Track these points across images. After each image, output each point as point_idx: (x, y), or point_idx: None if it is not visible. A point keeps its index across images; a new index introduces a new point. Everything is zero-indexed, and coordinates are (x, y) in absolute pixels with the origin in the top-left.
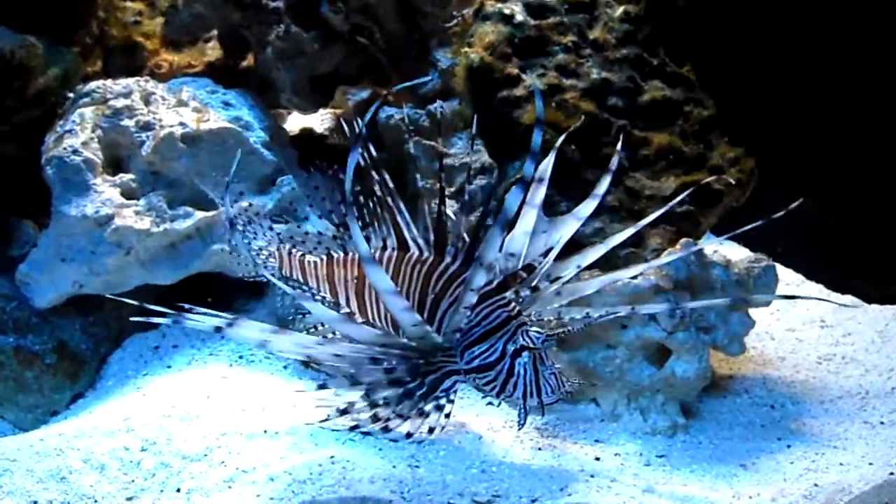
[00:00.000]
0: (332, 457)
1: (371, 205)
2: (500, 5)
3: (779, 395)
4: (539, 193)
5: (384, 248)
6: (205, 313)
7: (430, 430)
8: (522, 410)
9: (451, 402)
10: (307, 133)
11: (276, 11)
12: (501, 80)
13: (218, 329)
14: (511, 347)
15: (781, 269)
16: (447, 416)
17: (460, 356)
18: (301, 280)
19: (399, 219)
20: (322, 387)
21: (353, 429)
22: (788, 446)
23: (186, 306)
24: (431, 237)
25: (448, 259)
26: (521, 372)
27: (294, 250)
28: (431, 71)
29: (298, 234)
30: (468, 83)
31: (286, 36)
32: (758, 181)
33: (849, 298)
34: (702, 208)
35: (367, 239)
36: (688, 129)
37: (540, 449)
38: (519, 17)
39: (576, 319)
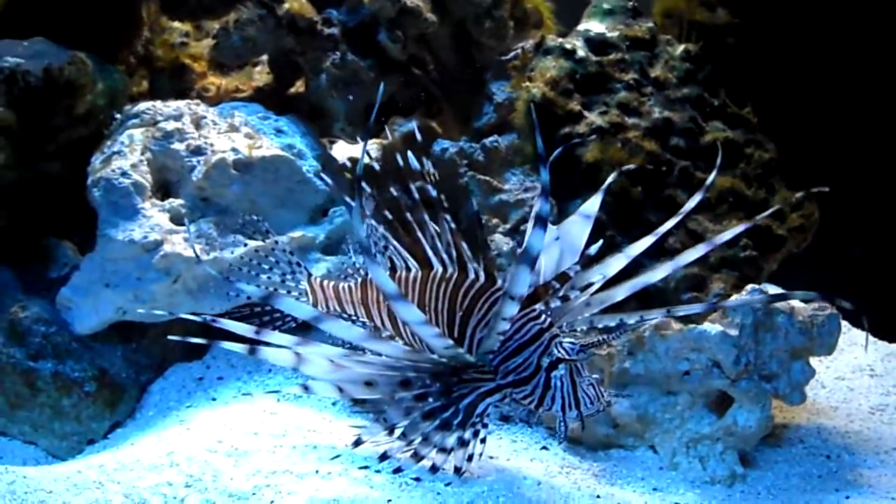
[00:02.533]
0: (388, 501)
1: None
2: (560, 40)
3: (834, 445)
4: (544, 207)
5: (407, 268)
6: (233, 324)
7: (469, 458)
8: (563, 424)
9: (486, 426)
10: (354, 162)
11: (331, 38)
12: (563, 117)
13: (251, 350)
14: (546, 360)
15: None
16: (483, 441)
17: (495, 372)
18: (338, 308)
19: (421, 237)
20: (358, 443)
21: (396, 471)
22: (847, 497)
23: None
24: (454, 253)
25: (472, 275)
26: (558, 385)
27: (326, 280)
28: (486, 104)
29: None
30: (528, 118)
31: (342, 63)
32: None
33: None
34: (763, 253)
35: (391, 260)
36: (750, 172)
37: (598, 496)
38: (581, 53)
39: (610, 327)
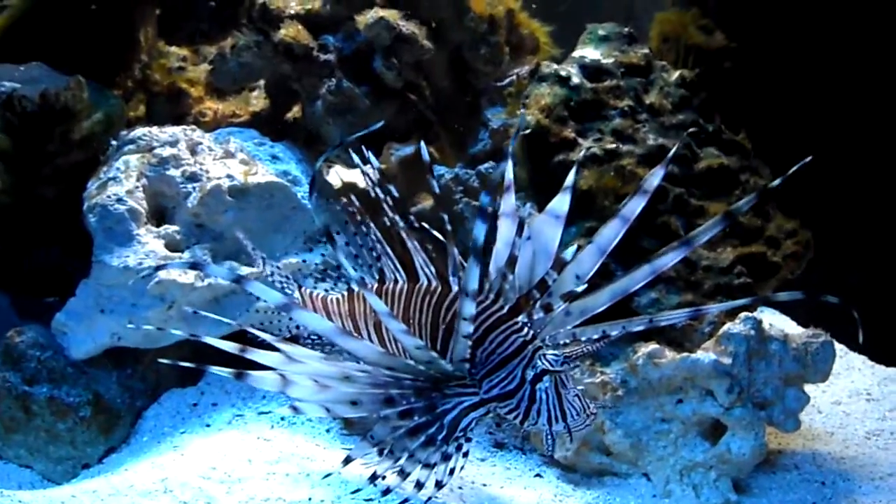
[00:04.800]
0: None
1: (380, 240)
2: (555, 66)
3: (829, 471)
4: (509, 201)
5: (395, 281)
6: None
7: (451, 472)
8: (549, 437)
9: (470, 440)
10: (350, 187)
11: (327, 64)
12: (558, 144)
13: (238, 374)
14: (530, 373)
15: None
16: (465, 455)
17: (479, 386)
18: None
19: (409, 251)
20: (348, 461)
21: (385, 493)
22: None
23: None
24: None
25: (455, 288)
26: (544, 397)
27: (315, 292)
28: (482, 130)
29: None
30: (523, 145)
31: (338, 90)
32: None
33: (893, 371)
34: (758, 280)
35: (382, 270)
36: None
37: None
38: (575, 80)
39: (592, 339)
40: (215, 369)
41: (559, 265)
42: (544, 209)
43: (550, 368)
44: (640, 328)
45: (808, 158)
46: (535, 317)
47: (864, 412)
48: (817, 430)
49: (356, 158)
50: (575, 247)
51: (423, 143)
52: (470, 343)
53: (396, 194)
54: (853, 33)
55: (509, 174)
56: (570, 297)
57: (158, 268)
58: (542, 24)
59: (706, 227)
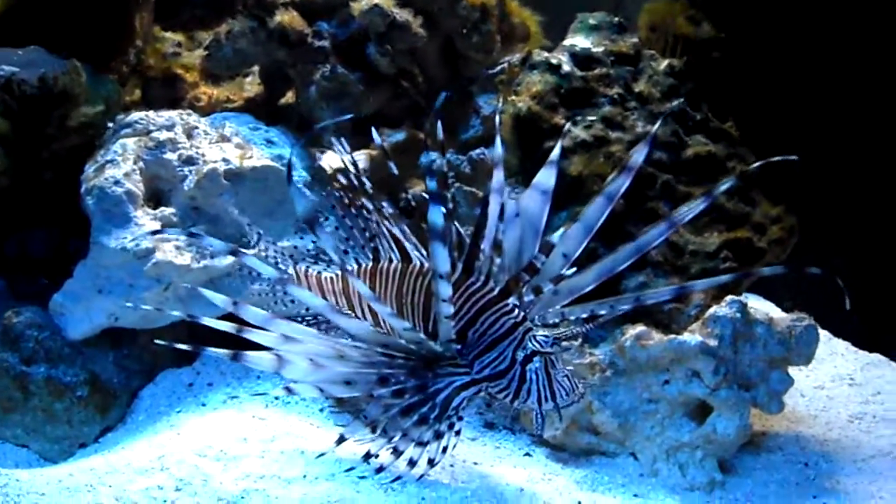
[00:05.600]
0: None
1: (374, 219)
2: (546, 55)
3: (812, 453)
4: (498, 177)
5: (390, 260)
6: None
7: (443, 450)
8: (539, 416)
9: (462, 419)
10: (342, 171)
11: (322, 51)
12: (548, 130)
13: (234, 355)
14: (521, 354)
15: None
16: (458, 433)
17: (471, 366)
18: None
19: (398, 233)
20: (341, 440)
21: (379, 471)
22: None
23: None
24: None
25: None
26: (534, 378)
27: (310, 269)
28: (473, 117)
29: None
30: (514, 132)
31: (332, 76)
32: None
33: (876, 356)
34: (743, 265)
35: (375, 250)
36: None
37: (580, 502)
38: (566, 68)
39: (581, 319)
40: (212, 350)
41: (546, 248)
42: (530, 184)
43: (540, 350)
44: (627, 307)
45: (794, 157)
46: (525, 299)
47: (848, 396)
48: (801, 414)
49: (338, 147)
50: (562, 230)
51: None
52: (453, 323)
53: (368, 183)
54: (836, 23)
55: (498, 150)
56: (559, 279)
57: (155, 232)
58: (532, 13)
59: (688, 207)
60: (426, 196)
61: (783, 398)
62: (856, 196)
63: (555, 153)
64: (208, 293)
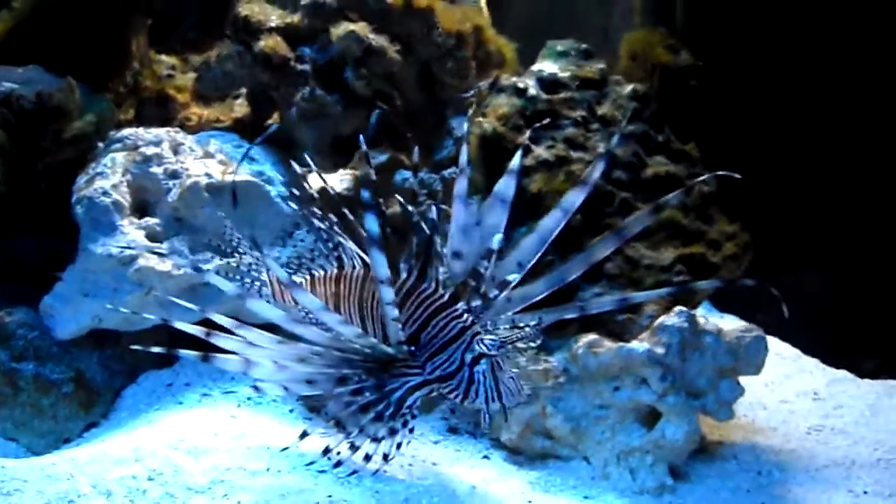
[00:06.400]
0: (329, 496)
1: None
2: (514, 79)
3: (766, 462)
4: (462, 185)
5: (353, 266)
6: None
7: (398, 446)
8: (487, 415)
9: (415, 417)
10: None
11: (303, 74)
12: (512, 150)
13: (204, 357)
14: (469, 356)
15: (778, 343)
16: (411, 430)
17: (423, 368)
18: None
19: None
20: (304, 435)
21: (337, 465)
22: None
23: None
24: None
25: (403, 275)
26: (481, 379)
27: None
28: (447, 138)
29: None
30: (481, 151)
31: (311, 97)
32: (753, 256)
33: (842, 373)
34: (698, 279)
35: (339, 259)
36: (689, 204)
37: (531, 502)
38: (532, 91)
39: (530, 325)
40: (183, 353)
41: (489, 254)
42: (491, 193)
43: (487, 352)
44: (574, 315)
45: (737, 175)
46: (473, 304)
47: (809, 410)
48: (760, 426)
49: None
50: (501, 236)
51: (361, 137)
52: (399, 326)
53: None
54: (804, 49)
55: (463, 159)
56: (504, 285)
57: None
58: (509, 40)
59: (636, 218)
60: (364, 207)
61: (735, 407)
62: (825, 214)
63: (514, 163)
64: (184, 326)
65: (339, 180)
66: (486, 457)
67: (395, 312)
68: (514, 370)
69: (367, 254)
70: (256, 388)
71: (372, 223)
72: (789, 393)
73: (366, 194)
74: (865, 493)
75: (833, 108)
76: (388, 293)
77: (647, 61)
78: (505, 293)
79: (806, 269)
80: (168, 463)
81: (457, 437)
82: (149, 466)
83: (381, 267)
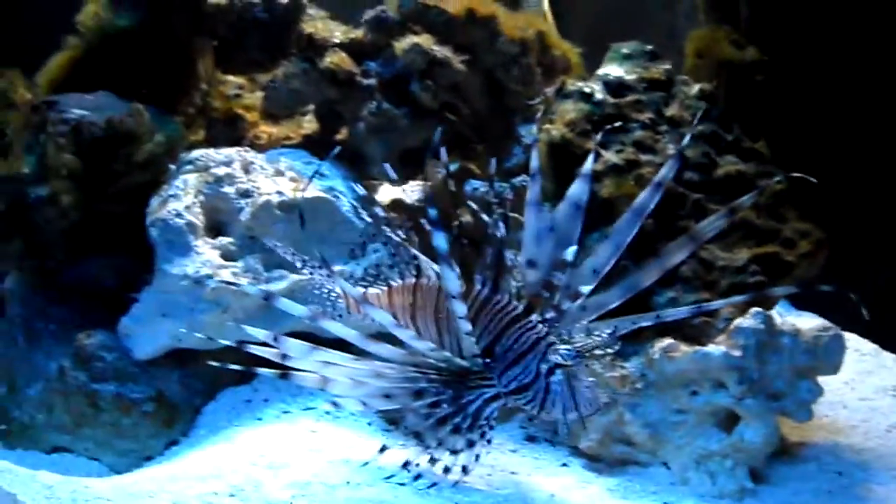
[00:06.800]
0: None
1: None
2: (580, 84)
3: (847, 462)
4: (534, 191)
5: (429, 278)
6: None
7: (476, 458)
8: (565, 426)
9: (492, 428)
10: (398, 203)
11: (369, 89)
12: (581, 156)
13: (283, 375)
14: (544, 367)
15: (857, 340)
16: (489, 441)
17: (499, 380)
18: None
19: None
20: (384, 449)
21: (417, 478)
22: None
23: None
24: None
25: (478, 287)
26: (558, 389)
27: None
28: (515, 146)
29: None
30: (549, 158)
31: (378, 111)
32: (828, 254)
33: None
34: (772, 279)
35: (418, 267)
36: (761, 203)
37: None
38: (598, 96)
39: (606, 334)
40: (262, 370)
41: (563, 266)
42: (563, 197)
43: (562, 363)
44: (649, 323)
45: (813, 179)
46: (547, 315)
47: (890, 407)
48: (840, 425)
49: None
50: (575, 248)
51: (442, 150)
52: (473, 339)
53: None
54: (873, 41)
55: (535, 163)
56: (576, 295)
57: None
58: (573, 45)
59: (710, 221)
60: (431, 224)
61: (814, 407)
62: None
63: (587, 166)
64: (258, 350)
65: (411, 191)
66: (564, 465)
67: (469, 326)
68: (591, 379)
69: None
70: (335, 404)
71: (440, 240)
72: (869, 390)
73: (432, 212)
74: None
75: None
76: (460, 308)
77: (713, 59)
78: (580, 302)
79: (881, 263)
80: (248, 479)
81: (535, 446)
82: (230, 482)
83: (452, 282)
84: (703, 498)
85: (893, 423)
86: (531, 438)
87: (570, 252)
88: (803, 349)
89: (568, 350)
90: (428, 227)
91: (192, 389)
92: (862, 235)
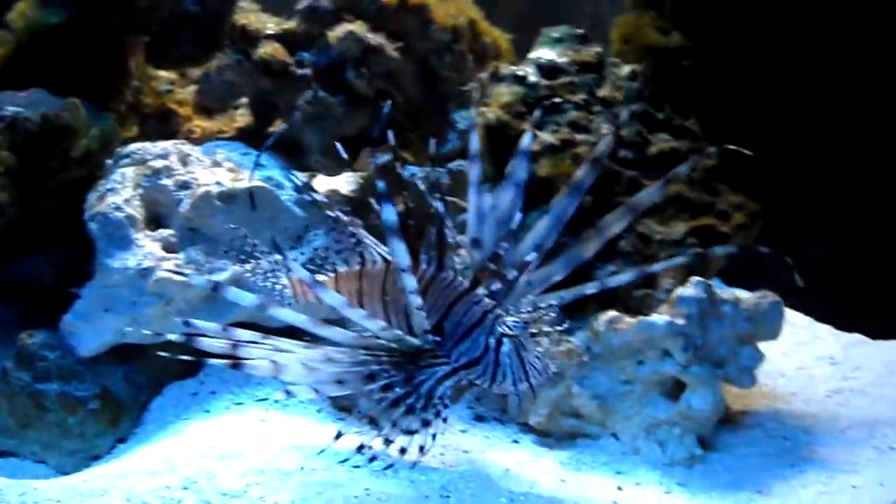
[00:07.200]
0: (367, 489)
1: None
2: (512, 68)
3: (791, 427)
4: (475, 172)
5: (374, 263)
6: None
7: (433, 437)
8: (515, 397)
9: (447, 407)
10: (333, 193)
11: (304, 78)
12: (516, 137)
13: (234, 364)
14: (493, 340)
15: (791, 313)
16: (444, 420)
17: (449, 356)
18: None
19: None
20: (339, 436)
21: (372, 460)
22: (802, 472)
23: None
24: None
25: (423, 266)
26: (507, 361)
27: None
28: (450, 132)
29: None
30: (486, 141)
31: (315, 100)
32: (762, 225)
33: (857, 336)
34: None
35: (362, 254)
36: (695, 178)
37: (564, 480)
38: (532, 78)
39: (552, 305)
40: (213, 360)
41: (508, 235)
42: (503, 177)
43: (510, 333)
44: (593, 291)
45: (749, 152)
46: (493, 288)
47: (827, 374)
48: (781, 392)
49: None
50: (520, 215)
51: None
52: (424, 313)
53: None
54: (797, 23)
55: (474, 145)
56: (523, 266)
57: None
58: (504, 32)
59: (647, 192)
60: (380, 197)
61: (756, 374)
62: (825, 178)
63: (524, 143)
64: (208, 343)
65: (345, 181)
66: (515, 441)
67: (419, 301)
68: (539, 349)
69: (386, 245)
70: (289, 392)
71: (389, 212)
72: (806, 359)
73: (381, 184)
74: (891, 448)
75: (823, 79)
76: (410, 281)
77: (639, 44)
78: (525, 275)
79: (810, 236)
80: (201, 470)
81: (484, 425)
82: (182, 475)
83: (402, 255)
84: (655, 466)
85: (832, 389)
86: (479, 418)
87: (514, 220)
88: (744, 316)
89: (515, 321)
90: (375, 204)
91: (138, 385)
92: (793, 209)
